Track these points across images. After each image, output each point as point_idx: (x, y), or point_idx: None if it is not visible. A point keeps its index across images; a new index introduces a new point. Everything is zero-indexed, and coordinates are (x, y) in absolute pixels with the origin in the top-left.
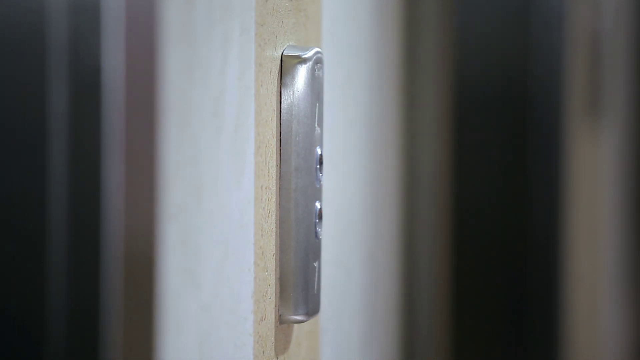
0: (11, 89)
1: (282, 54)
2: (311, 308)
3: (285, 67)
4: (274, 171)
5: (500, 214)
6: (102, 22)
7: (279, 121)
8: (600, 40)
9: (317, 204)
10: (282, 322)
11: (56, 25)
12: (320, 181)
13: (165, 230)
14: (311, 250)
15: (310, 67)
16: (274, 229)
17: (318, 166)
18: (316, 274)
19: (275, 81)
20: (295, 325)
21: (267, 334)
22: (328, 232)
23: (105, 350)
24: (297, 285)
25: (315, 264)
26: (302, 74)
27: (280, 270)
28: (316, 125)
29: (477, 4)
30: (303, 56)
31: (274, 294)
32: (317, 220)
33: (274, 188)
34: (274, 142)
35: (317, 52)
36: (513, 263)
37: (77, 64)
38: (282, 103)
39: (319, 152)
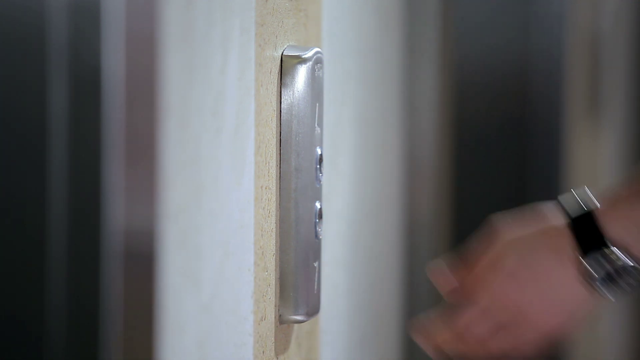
0: (11, 89)
1: (282, 54)
2: (311, 308)
3: (285, 67)
4: (274, 171)
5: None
6: (102, 22)
7: (279, 121)
8: (600, 41)
9: (317, 204)
10: (282, 322)
11: (56, 25)
12: (320, 181)
13: (165, 230)
14: (311, 250)
15: (310, 67)
16: (274, 229)
17: (318, 166)
18: (316, 274)
19: (275, 81)
20: (295, 325)
21: (267, 334)
22: (328, 232)
23: (105, 350)
24: (297, 285)
25: (315, 264)
26: (302, 74)
27: (280, 270)
28: (316, 125)
29: (477, 5)
30: (303, 56)
31: (274, 294)
32: (317, 220)
33: (274, 188)
34: (274, 142)
35: (317, 52)
36: None
37: (77, 64)
38: (282, 103)
39: (319, 152)
